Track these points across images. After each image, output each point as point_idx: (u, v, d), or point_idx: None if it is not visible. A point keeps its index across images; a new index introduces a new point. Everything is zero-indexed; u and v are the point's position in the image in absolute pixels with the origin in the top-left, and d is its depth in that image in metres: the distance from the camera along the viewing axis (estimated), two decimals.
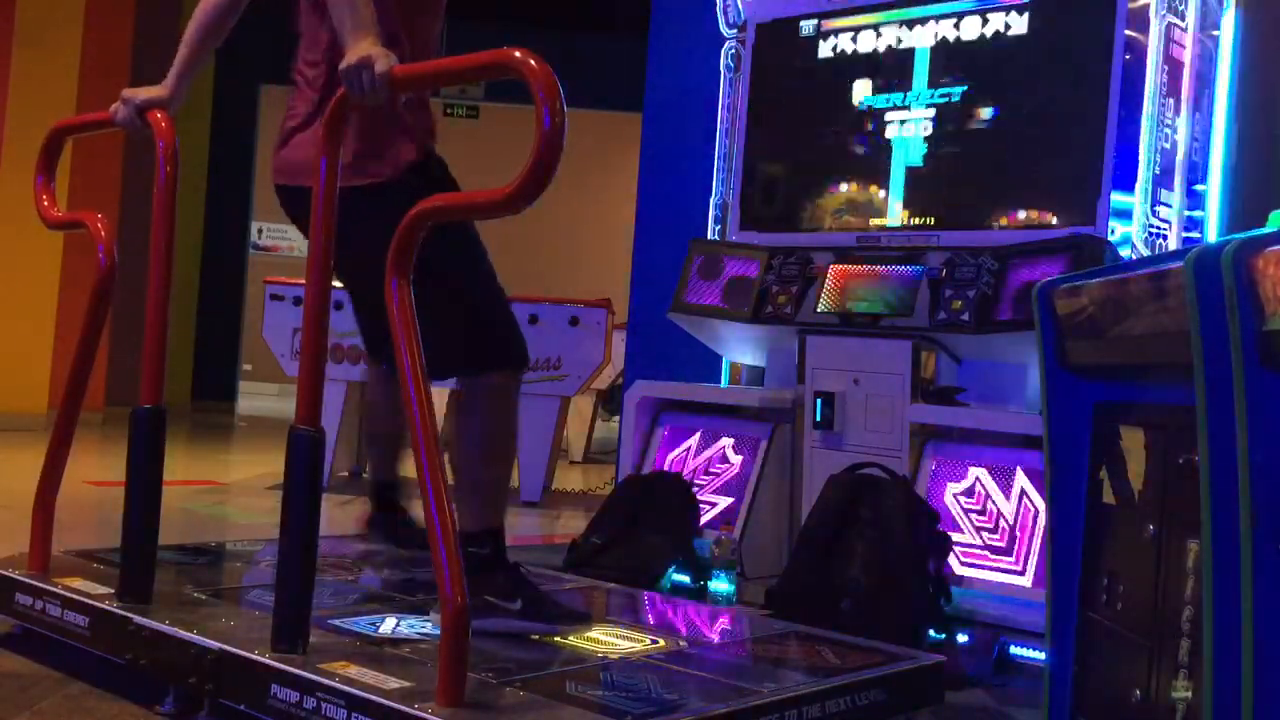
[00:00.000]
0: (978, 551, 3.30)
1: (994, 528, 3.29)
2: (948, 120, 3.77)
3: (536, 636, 2.37)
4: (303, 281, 2.25)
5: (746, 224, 4.22)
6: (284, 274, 6.19)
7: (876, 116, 3.94)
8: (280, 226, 14.10)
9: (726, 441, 3.97)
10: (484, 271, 2.57)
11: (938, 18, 3.83)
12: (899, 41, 3.92)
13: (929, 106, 3.81)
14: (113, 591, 2.44)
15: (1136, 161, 3.41)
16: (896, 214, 3.86)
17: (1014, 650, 2.93)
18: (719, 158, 4.43)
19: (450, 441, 2.53)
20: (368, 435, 2.88)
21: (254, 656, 2.06)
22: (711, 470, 3.96)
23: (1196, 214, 3.57)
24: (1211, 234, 3.55)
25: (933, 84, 3.82)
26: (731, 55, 4.40)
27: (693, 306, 4.08)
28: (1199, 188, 3.58)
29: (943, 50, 3.81)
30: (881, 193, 3.91)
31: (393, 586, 2.82)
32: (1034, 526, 3.20)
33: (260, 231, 13.43)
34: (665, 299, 4.17)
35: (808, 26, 4.14)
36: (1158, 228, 3.46)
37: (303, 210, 2.29)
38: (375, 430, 3.07)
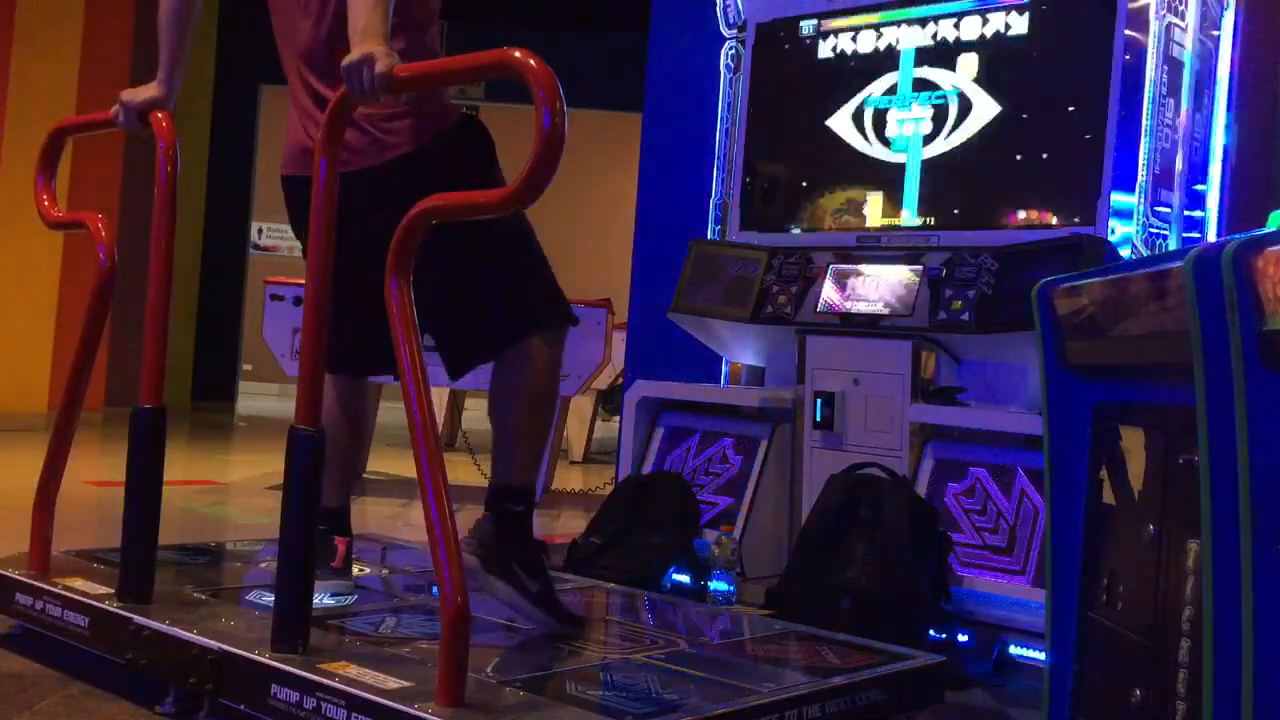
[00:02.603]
0: (978, 551, 3.30)
1: (994, 528, 3.29)
2: (947, 120, 3.77)
3: (531, 627, 2.38)
4: (303, 281, 2.25)
5: (746, 224, 4.22)
6: (284, 274, 6.18)
7: (876, 116, 3.94)
8: (280, 226, 14.09)
9: (726, 441, 3.97)
10: (518, 232, 2.59)
11: (937, 18, 3.83)
12: (898, 41, 3.92)
13: (928, 106, 3.81)
14: (113, 591, 2.44)
15: (1136, 161, 3.41)
16: (896, 214, 3.86)
17: (1014, 650, 2.93)
18: (719, 158, 4.43)
19: (490, 402, 2.54)
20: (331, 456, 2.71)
21: (254, 656, 2.06)
22: (711, 470, 3.96)
23: (1196, 214, 3.57)
24: (1211, 234, 3.55)
25: (932, 84, 3.82)
26: (731, 55, 4.40)
27: (693, 306, 4.08)
28: (1199, 188, 3.58)
29: (942, 50, 3.81)
30: (881, 193, 3.91)
31: (393, 586, 2.82)
32: (1034, 526, 3.20)
33: (260, 231, 13.41)
34: (665, 299, 4.17)
35: (808, 26, 4.14)
36: (1158, 228, 3.46)
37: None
38: (342, 450, 2.77)
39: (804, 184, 4.11)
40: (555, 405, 2.62)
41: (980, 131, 3.70)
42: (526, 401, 2.51)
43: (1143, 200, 3.42)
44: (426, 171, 2.43)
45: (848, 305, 3.74)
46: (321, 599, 2.42)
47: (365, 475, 6.11)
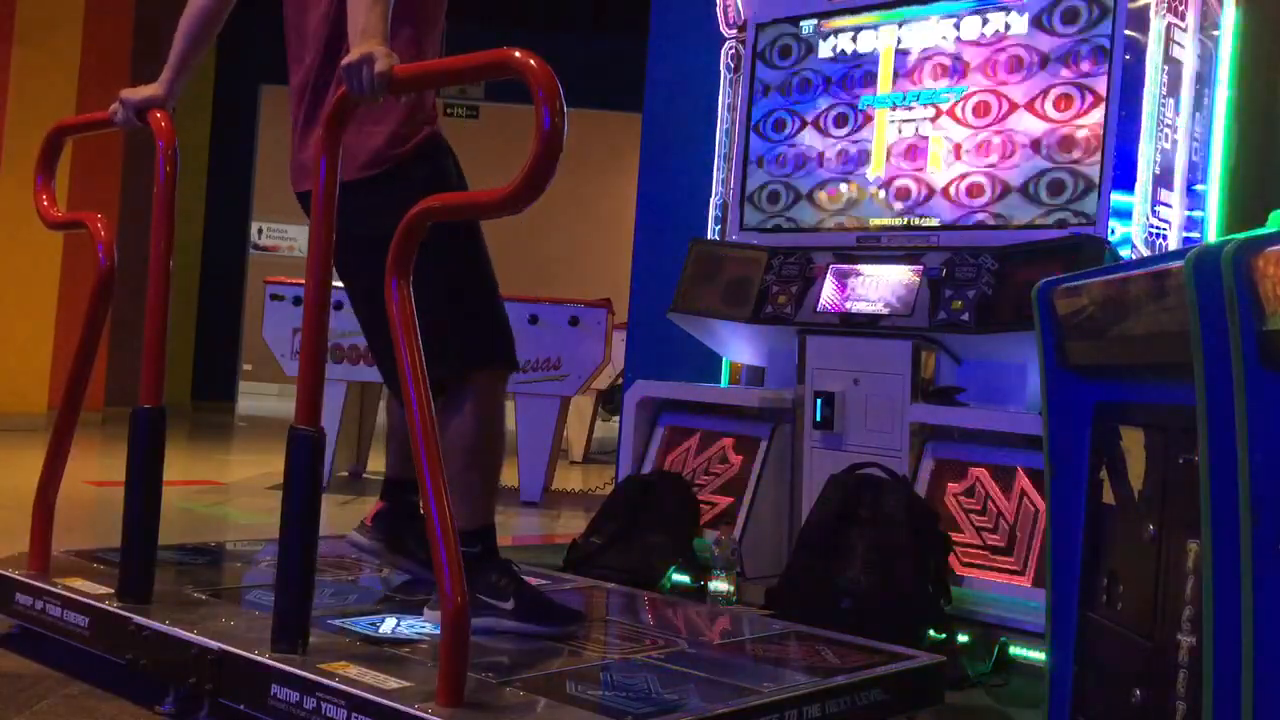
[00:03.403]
0: (978, 551, 3.30)
1: (994, 528, 3.29)
2: (947, 120, 3.77)
3: (527, 636, 2.38)
4: (303, 281, 2.25)
5: (746, 224, 4.22)
6: (284, 274, 6.19)
7: (876, 116, 3.94)
8: (280, 226, 14.10)
9: (726, 441, 3.97)
10: (473, 267, 2.55)
11: (937, 17, 3.83)
12: (899, 41, 3.92)
13: (929, 106, 3.82)
14: (113, 591, 2.44)
15: (1136, 161, 3.41)
16: (897, 214, 3.86)
17: (1014, 650, 2.93)
18: (719, 158, 4.43)
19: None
20: (391, 432, 2.81)
21: (254, 656, 2.06)
22: (711, 470, 3.96)
23: (1196, 214, 3.57)
24: (1211, 234, 3.55)
25: (932, 84, 3.82)
26: (731, 55, 4.40)
27: (693, 306, 4.08)
28: (1199, 188, 3.59)
29: (942, 50, 3.81)
30: (881, 193, 3.91)
31: (392, 587, 2.82)
32: (1034, 526, 3.20)
33: (260, 231, 13.42)
34: (665, 299, 4.17)
35: (808, 26, 4.14)
36: (1158, 228, 3.46)
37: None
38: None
39: (804, 184, 4.11)
40: (502, 441, 2.59)
41: (980, 130, 3.70)
42: (470, 446, 2.47)
43: (1143, 200, 3.42)
44: (376, 195, 2.43)
45: (848, 305, 3.74)
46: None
47: (365, 475, 6.12)
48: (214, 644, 2.12)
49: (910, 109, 3.85)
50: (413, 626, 2.36)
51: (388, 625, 2.37)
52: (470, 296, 2.55)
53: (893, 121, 3.89)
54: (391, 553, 2.77)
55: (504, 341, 2.58)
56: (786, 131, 4.17)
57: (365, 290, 2.52)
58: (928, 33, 3.85)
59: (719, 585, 3.40)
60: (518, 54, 1.88)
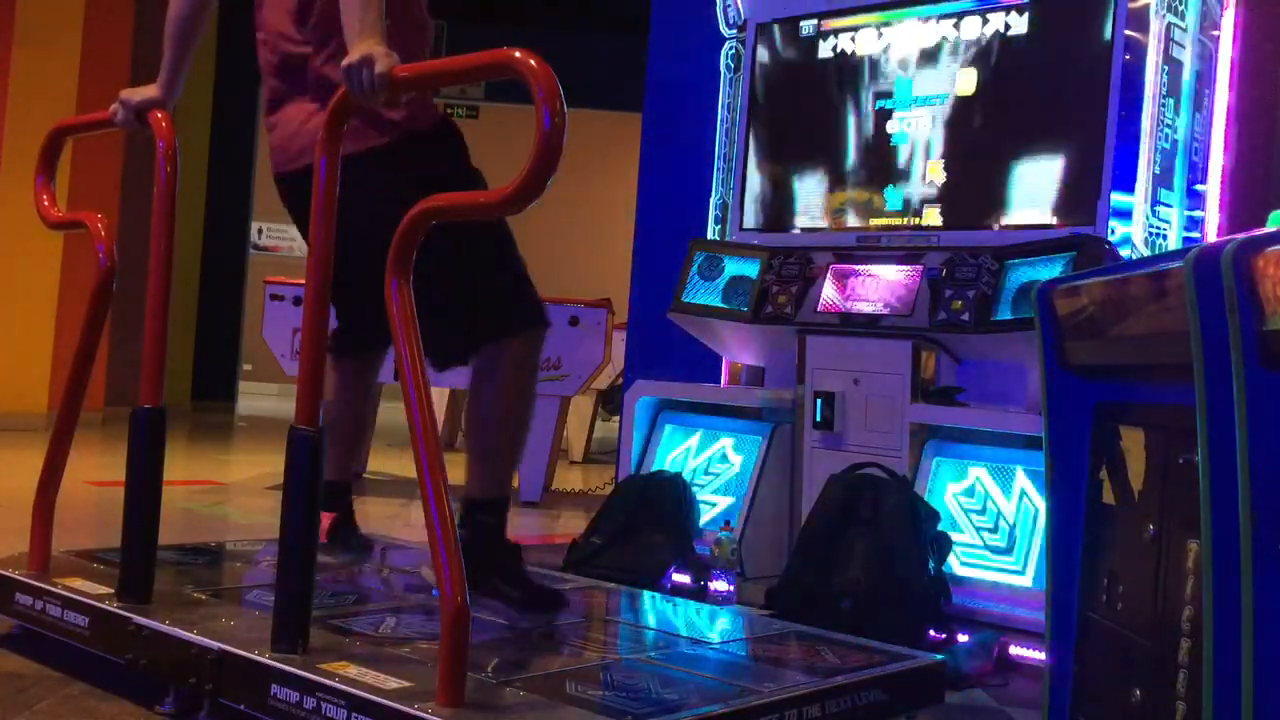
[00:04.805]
0: (978, 551, 3.30)
1: (994, 528, 3.29)
2: (947, 120, 3.77)
3: (526, 625, 2.44)
4: (303, 281, 2.25)
5: (746, 224, 4.22)
6: (284, 274, 6.18)
7: (876, 116, 3.94)
8: (280, 226, 14.09)
9: (726, 441, 3.97)
10: (505, 231, 2.61)
11: (938, 17, 3.83)
12: (899, 41, 3.91)
13: (928, 106, 3.81)
14: (113, 591, 2.44)
15: (1136, 161, 3.41)
16: (896, 214, 3.86)
17: (1014, 650, 2.93)
18: (719, 158, 4.43)
19: (465, 410, 2.60)
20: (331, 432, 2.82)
21: (254, 656, 2.06)
22: (711, 470, 3.96)
23: (1196, 214, 3.57)
24: (1211, 234, 3.55)
25: (933, 84, 3.82)
26: (731, 55, 4.40)
27: (693, 306, 4.08)
28: (1199, 188, 3.58)
29: (942, 50, 3.81)
30: (881, 193, 3.91)
31: (393, 586, 2.82)
32: (1034, 526, 3.20)
33: (260, 231, 13.42)
34: (665, 299, 4.17)
35: (808, 26, 4.14)
36: (1158, 228, 3.46)
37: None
38: (337, 425, 2.81)
39: (804, 184, 4.11)
40: (532, 409, 2.63)
41: (980, 131, 3.70)
42: (501, 415, 2.54)
43: (1143, 200, 3.42)
44: (389, 168, 2.46)
45: (848, 305, 3.74)
46: None
47: (365, 475, 6.11)
48: (214, 644, 2.12)
49: (909, 109, 3.85)
50: (413, 626, 2.36)
51: (388, 625, 2.37)
52: (509, 258, 2.62)
53: (892, 121, 3.89)
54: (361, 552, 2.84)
55: (531, 306, 2.65)
56: (787, 131, 4.17)
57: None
58: (928, 33, 3.85)
59: (719, 585, 3.40)
60: (518, 54, 1.88)
